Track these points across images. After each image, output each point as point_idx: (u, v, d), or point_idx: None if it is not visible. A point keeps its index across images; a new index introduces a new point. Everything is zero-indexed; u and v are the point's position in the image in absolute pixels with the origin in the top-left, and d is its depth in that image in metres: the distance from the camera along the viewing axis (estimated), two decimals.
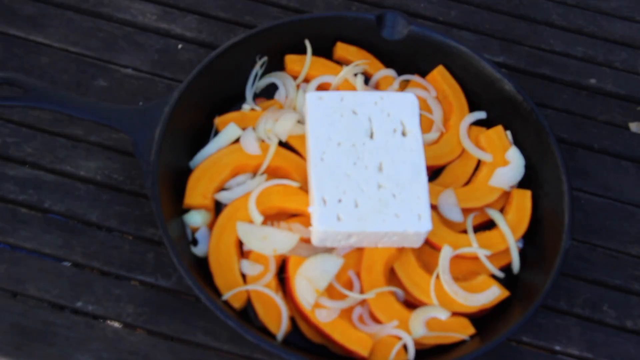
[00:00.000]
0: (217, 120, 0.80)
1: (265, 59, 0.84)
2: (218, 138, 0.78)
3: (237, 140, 0.78)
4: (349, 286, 0.72)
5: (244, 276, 0.72)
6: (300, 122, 0.79)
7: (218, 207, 0.76)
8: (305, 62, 0.84)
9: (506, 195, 0.81)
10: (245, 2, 0.95)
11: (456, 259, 0.75)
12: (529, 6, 1.01)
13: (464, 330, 0.72)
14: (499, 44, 0.97)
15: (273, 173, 0.77)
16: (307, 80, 0.84)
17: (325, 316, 0.69)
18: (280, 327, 0.70)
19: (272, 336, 0.69)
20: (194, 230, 0.74)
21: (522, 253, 0.78)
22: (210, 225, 0.74)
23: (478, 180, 0.81)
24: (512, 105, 0.82)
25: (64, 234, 0.75)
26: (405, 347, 0.70)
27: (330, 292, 0.71)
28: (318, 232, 0.69)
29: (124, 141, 0.80)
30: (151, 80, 0.86)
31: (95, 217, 0.76)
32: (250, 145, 0.77)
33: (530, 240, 0.78)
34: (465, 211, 0.78)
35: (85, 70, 0.86)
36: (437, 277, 0.73)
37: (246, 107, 0.82)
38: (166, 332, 0.72)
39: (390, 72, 0.86)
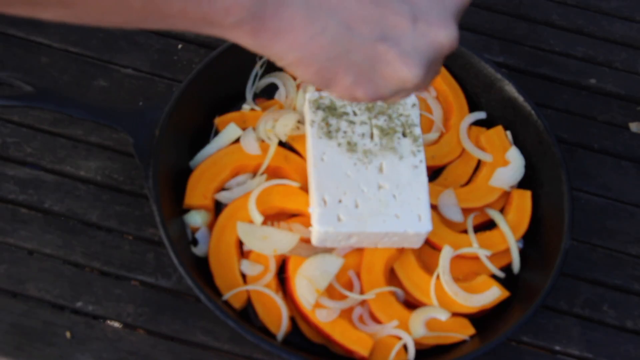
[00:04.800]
0: (217, 120, 0.80)
1: (265, 59, 0.84)
2: (218, 138, 0.78)
3: (237, 140, 0.78)
4: (349, 286, 0.72)
5: (244, 276, 0.72)
6: (300, 122, 0.79)
7: (218, 207, 0.76)
8: None
9: (506, 195, 0.81)
10: None
11: (456, 259, 0.75)
12: (529, 6, 1.01)
13: (464, 331, 0.72)
14: (499, 44, 0.97)
15: (273, 173, 0.77)
16: None
17: (326, 316, 0.69)
18: (280, 327, 0.70)
19: (272, 336, 0.69)
20: (194, 230, 0.74)
21: (523, 253, 0.78)
22: (210, 225, 0.74)
23: (478, 180, 0.81)
24: (512, 105, 0.82)
25: (64, 234, 0.75)
26: (405, 347, 0.71)
27: (330, 292, 0.71)
28: (318, 232, 0.69)
29: (124, 141, 0.80)
30: (151, 80, 0.86)
31: (95, 217, 0.76)
32: (250, 145, 0.77)
33: (531, 240, 0.78)
34: (466, 211, 0.78)
35: (85, 70, 0.86)
36: (437, 277, 0.73)
37: (246, 107, 0.82)
38: (166, 332, 0.72)
39: None
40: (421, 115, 0.79)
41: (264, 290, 0.70)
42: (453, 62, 0.85)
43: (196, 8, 0.43)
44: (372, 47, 0.47)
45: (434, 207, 0.77)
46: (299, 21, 0.45)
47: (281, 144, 0.78)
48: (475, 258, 0.76)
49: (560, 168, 0.77)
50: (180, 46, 0.89)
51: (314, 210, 0.70)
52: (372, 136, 0.74)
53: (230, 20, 0.44)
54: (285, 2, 0.44)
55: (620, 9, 1.03)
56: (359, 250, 0.73)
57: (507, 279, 0.76)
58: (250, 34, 0.45)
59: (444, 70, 0.85)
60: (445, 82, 0.85)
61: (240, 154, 0.77)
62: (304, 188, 0.75)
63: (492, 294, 0.73)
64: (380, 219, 0.70)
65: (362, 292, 0.72)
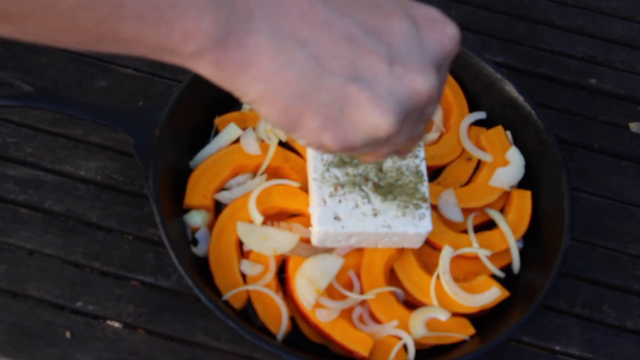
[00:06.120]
0: (217, 120, 0.80)
1: None
2: (218, 138, 0.78)
3: (237, 140, 0.78)
4: (349, 286, 0.72)
5: (244, 276, 0.72)
6: None
7: (218, 207, 0.76)
8: None
9: (506, 195, 0.81)
10: None
11: (456, 259, 0.75)
12: (529, 6, 1.01)
13: (464, 331, 0.72)
14: (499, 44, 0.97)
15: (273, 173, 0.77)
16: None
17: (326, 316, 0.69)
18: (280, 327, 0.70)
19: (272, 336, 0.69)
20: (194, 230, 0.74)
21: (523, 253, 0.78)
22: (210, 225, 0.74)
23: (478, 180, 0.81)
24: (512, 106, 0.82)
25: (64, 234, 0.75)
26: (405, 347, 0.71)
27: (331, 292, 0.71)
28: (318, 232, 0.69)
29: (124, 141, 0.80)
30: (151, 80, 0.86)
31: (95, 217, 0.76)
32: (250, 145, 0.77)
33: (531, 240, 0.78)
34: (465, 211, 0.78)
35: (85, 70, 0.86)
36: (437, 277, 0.73)
37: (246, 107, 0.82)
38: (166, 332, 0.72)
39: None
40: None
41: (264, 290, 0.70)
42: (453, 62, 0.84)
43: (153, 33, 0.40)
44: (342, 87, 0.44)
45: (434, 207, 0.77)
46: (265, 51, 0.42)
47: (281, 144, 0.78)
48: (475, 258, 0.76)
49: (560, 168, 0.77)
50: None
51: (314, 210, 0.70)
52: None
53: (190, 48, 0.41)
54: (251, 30, 0.41)
55: (620, 9, 1.03)
56: (359, 250, 0.73)
57: (507, 279, 0.76)
58: (213, 64, 0.42)
59: None
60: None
61: (240, 154, 0.77)
62: (304, 188, 0.75)
63: (492, 294, 0.73)
64: (380, 219, 0.70)
65: (362, 292, 0.72)
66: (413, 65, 0.45)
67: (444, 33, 0.47)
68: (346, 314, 0.71)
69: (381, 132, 0.45)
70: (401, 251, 0.74)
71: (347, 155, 0.72)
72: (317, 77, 0.43)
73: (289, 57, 0.42)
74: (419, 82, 0.45)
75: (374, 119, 0.45)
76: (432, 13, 0.47)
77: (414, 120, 0.47)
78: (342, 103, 0.44)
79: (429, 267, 0.75)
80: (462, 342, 0.72)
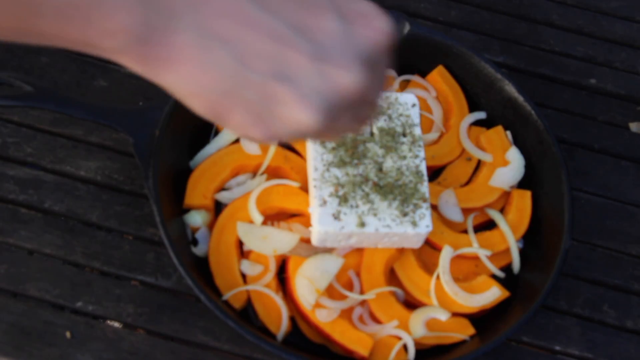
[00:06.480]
0: None
1: None
2: (218, 138, 0.78)
3: (237, 140, 0.78)
4: (349, 286, 0.72)
5: (244, 276, 0.72)
6: None
7: (218, 207, 0.76)
8: None
9: (506, 195, 0.81)
10: None
11: (456, 259, 0.75)
12: (529, 6, 1.01)
13: (464, 331, 0.72)
14: (499, 44, 0.97)
15: (273, 173, 0.77)
16: None
17: (326, 316, 0.69)
18: (280, 327, 0.70)
19: (272, 336, 0.69)
20: (194, 230, 0.74)
21: (523, 253, 0.78)
22: (210, 225, 0.74)
23: (478, 180, 0.81)
24: (512, 106, 0.82)
25: (64, 234, 0.75)
26: (405, 347, 0.71)
27: (330, 292, 0.71)
28: (318, 232, 0.69)
29: (124, 141, 0.80)
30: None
31: (95, 217, 0.76)
32: (250, 145, 0.77)
33: (531, 240, 0.78)
34: (465, 211, 0.78)
35: (85, 70, 0.86)
36: (437, 277, 0.73)
37: None
38: (166, 332, 0.72)
39: (390, 72, 0.86)
40: (421, 115, 0.79)
41: (264, 290, 0.70)
42: (453, 62, 0.85)
43: (73, 30, 0.40)
44: (267, 85, 0.44)
45: (434, 207, 0.77)
46: (190, 51, 0.42)
47: (281, 143, 0.78)
48: (475, 258, 0.76)
49: (560, 168, 0.77)
50: None
51: (314, 210, 0.70)
52: (372, 136, 0.74)
53: (112, 44, 0.41)
54: (175, 29, 0.41)
55: (620, 9, 1.03)
56: (359, 250, 0.73)
57: (507, 279, 0.76)
58: (136, 61, 0.42)
59: (444, 70, 0.85)
60: (445, 82, 0.85)
61: (240, 154, 0.77)
62: (304, 188, 0.75)
63: (492, 294, 0.73)
64: (380, 219, 0.70)
65: (362, 292, 0.72)
66: (338, 62, 0.45)
67: (373, 27, 0.46)
68: (346, 314, 0.71)
69: (307, 128, 0.46)
70: (401, 251, 0.74)
71: (347, 155, 0.72)
72: (241, 76, 0.43)
73: (213, 56, 0.42)
74: (344, 78, 0.45)
75: (298, 115, 0.45)
76: (363, 7, 0.47)
77: (352, 109, 0.47)
78: (267, 100, 0.44)
79: (429, 267, 0.75)
80: (462, 342, 0.72)
